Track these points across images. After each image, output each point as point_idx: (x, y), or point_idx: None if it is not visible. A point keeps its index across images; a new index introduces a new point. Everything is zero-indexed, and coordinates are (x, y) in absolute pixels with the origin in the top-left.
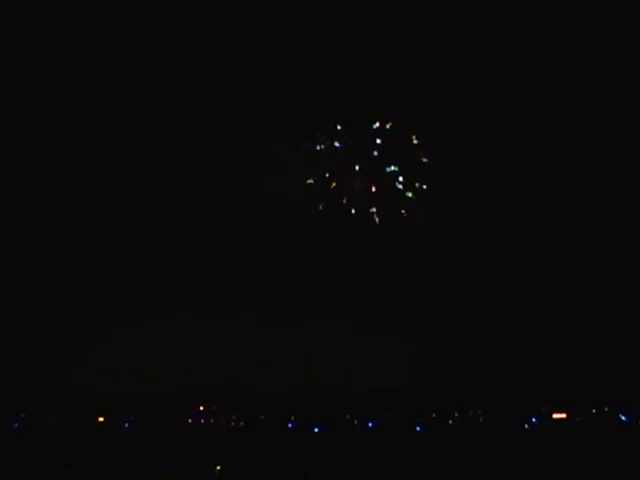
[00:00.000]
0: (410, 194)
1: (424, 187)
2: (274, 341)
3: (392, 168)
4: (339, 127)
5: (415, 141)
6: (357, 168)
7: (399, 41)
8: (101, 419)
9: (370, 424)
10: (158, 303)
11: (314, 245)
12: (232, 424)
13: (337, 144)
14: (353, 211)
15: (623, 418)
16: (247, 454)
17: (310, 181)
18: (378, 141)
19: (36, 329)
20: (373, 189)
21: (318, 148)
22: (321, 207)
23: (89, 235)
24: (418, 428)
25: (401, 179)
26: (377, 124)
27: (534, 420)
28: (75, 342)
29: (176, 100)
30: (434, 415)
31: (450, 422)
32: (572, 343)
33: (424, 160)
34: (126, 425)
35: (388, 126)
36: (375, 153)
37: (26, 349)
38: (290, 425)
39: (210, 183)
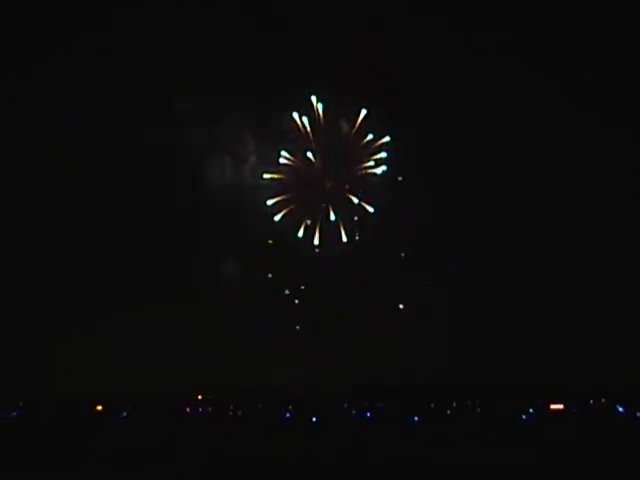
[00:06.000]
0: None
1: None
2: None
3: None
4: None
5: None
6: None
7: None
8: (99, 407)
9: (368, 413)
10: (158, 294)
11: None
12: (230, 413)
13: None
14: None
15: (620, 409)
16: (247, 444)
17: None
18: None
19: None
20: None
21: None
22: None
23: (86, 226)
24: (416, 418)
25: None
26: None
27: (531, 411)
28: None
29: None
30: (432, 405)
31: (448, 412)
32: (569, 335)
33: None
34: (124, 414)
35: None
36: None
37: (18, 342)
38: (288, 415)
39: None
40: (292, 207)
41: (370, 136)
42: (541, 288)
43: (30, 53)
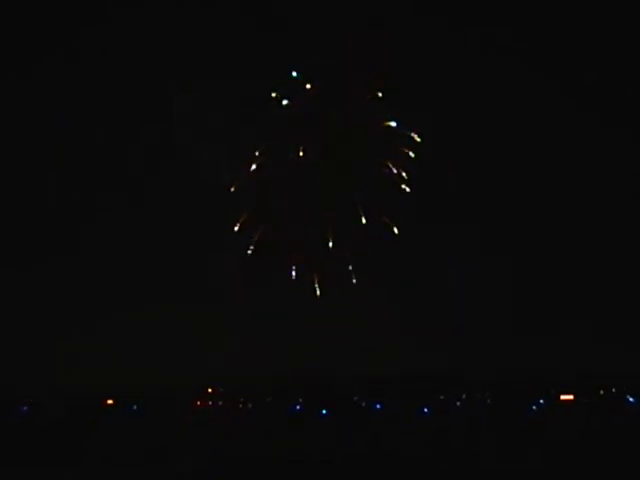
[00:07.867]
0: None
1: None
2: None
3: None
4: None
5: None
6: None
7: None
8: (110, 401)
9: (378, 405)
10: (158, 294)
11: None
12: (240, 406)
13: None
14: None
15: (631, 400)
16: (247, 444)
17: None
18: None
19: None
20: None
21: None
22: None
23: (86, 226)
24: (426, 410)
25: None
26: None
27: (541, 402)
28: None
29: None
30: (442, 397)
31: (457, 404)
32: (577, 325)
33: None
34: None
35: None
36: None
37: (17, 342)
38: (298, 407)
39: None
40: (258, 236)
41: (393, 123)
42: (549, 282)
43: (30, 53)
